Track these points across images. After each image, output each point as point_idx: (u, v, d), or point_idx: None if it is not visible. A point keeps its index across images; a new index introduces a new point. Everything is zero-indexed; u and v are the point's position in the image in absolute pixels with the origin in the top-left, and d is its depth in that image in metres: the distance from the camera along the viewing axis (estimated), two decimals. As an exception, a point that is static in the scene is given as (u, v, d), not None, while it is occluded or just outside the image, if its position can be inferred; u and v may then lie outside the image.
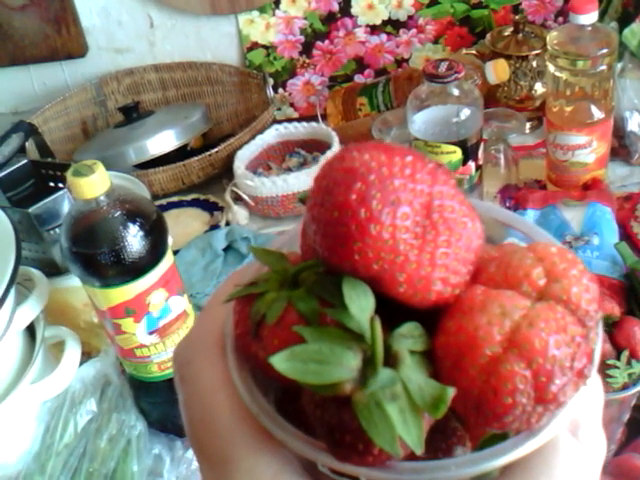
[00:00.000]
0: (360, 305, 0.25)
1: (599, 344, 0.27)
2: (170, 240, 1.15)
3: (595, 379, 0.29)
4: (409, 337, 0.26)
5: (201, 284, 1.16)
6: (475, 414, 0.25)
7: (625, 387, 0.81)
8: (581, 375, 0.25)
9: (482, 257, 0.27)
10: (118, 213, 0.79)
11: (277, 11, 1.42)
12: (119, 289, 0.81)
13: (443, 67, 1.00)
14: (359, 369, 0.25)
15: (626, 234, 1.16)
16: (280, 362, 0.24)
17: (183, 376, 0.31)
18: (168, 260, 0.84)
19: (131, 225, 0.80)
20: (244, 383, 0.28)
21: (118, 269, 0.80)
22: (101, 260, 0.79)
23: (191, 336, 0.32)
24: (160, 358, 0.88)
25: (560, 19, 1.43)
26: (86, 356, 0.98)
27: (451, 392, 0.24)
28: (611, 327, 0.83)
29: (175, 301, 0.86)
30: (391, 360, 0.25)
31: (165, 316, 0.85)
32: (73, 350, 0.90)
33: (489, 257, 0.27)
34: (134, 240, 0.79)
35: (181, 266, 1.20)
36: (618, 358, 0.81)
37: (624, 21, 1.37)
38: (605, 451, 0.30)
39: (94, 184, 0.77)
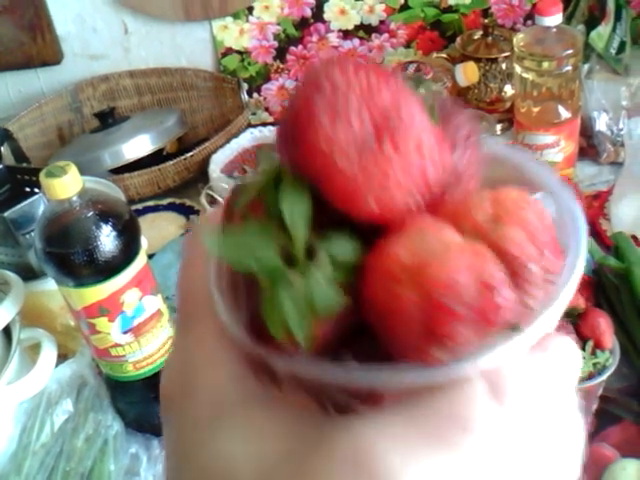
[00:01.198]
0: (293, 204, 0.26)
1: (555, 307, 0.26)
2: (145, 243, 1.16)
3: (551, 361, 0.27)
4: (336, 245, 0.26)
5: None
6: (376, 328, 0.26)
7: (590, 377, 0.83)
8: (486, 319, 0.24)
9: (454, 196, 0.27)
10: (91, 213, 0.81)
11: (250, 17, 1.44)
12: (93, 288, 0.82)
13: (411, 69, 1.02)
14: (278, 259, 0.26)
15: (595, 231, 1.19)
16: (212, 244, 0.26)
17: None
18: (141, 260, 0.85)
19: (104, 225, 0.81)
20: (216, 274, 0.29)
21: (91, 268, 0.81)
22: (75, 260, 0.80)
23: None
24: (135, 357, 0.89)
25: (529, 22, 1.46)
26: (62, 358, 0.99)
27: (340, 303, 0.25)
28: (576, 318, 0.86)
29: (149, 300, 0.87)
30: (309, 259, 0.26)
31: (139, 315, 0.86)
32: (49, 351, 0.91)
33: (460, 197, 0.27)
34: (107, 240, 0.81)
35: (157, 269, 1.21)
36: (583, 349, 0.83)
37: (590, 24, 1.40)
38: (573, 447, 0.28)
39: (67, 185, 0.78)
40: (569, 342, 0.28)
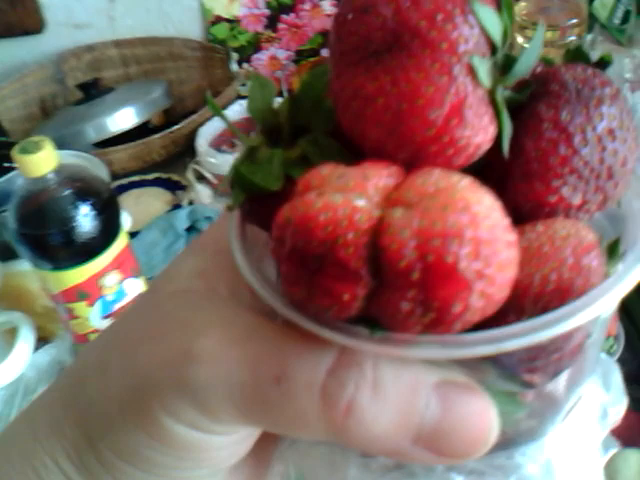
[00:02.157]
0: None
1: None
2: (129, 221, 1.12)
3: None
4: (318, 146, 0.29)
5: (162, 266, 1.12)
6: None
7: (594, 365, 0.79)
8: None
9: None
10: (68, 192, 0.76)
11: (240, -16, 1.38)
12: (71, 272, 0.78)
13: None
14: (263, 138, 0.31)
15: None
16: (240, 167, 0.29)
17: None
18: (122, 241, 0.81)
19: (82, 204, 0.76)
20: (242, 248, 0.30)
21: (69, 251, 0.77)
22: (51, 241, 0.76)
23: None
24: (117, 343, 0.84)
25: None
26: (43, 341, 0.95)
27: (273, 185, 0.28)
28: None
29: (130, 283, 0.82)
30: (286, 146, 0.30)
31: (120, 299, 0.82)
32: (26, 337, 0.87)
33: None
34: (85, 220, 0.76)
35: (142, 247, 1.17)
36: (587, 336, 0.79)
37: (594, -8, 1.35)
38: None
39: (41, 161, 0.73)
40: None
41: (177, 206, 1.24)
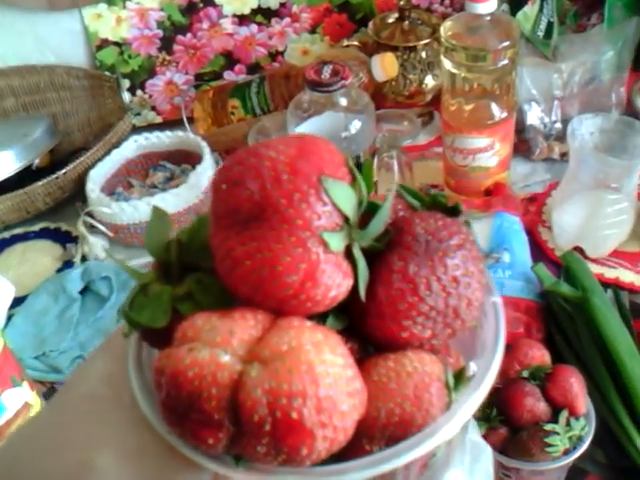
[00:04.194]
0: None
1: None
2: (10, 291, 0.96)
3: None
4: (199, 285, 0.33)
5: (55, 337, 0.97)
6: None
7: (566, 453, 0.68)
8: None
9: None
10: None
11: (128, 3, 1.22)
12: None
13: (327, 73, 0.85)
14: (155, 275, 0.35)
15: (535, 242, 1.05)
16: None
17: None
18: (-5, 346, 0.66)
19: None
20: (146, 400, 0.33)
21: None
22: None
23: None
24: None
25: (447, 1, 1.30)
26: None
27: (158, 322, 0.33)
28: (544, 380, 0.71)
29: (11, 395, 0.67)
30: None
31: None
32: None
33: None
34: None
35: (30, 317, 1.01)
36: (556, 421, 0.68)
37: (516, 4, 1.26)
38: None
39: None
40: None
41: (68, 263, 1.08)
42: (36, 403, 0.71)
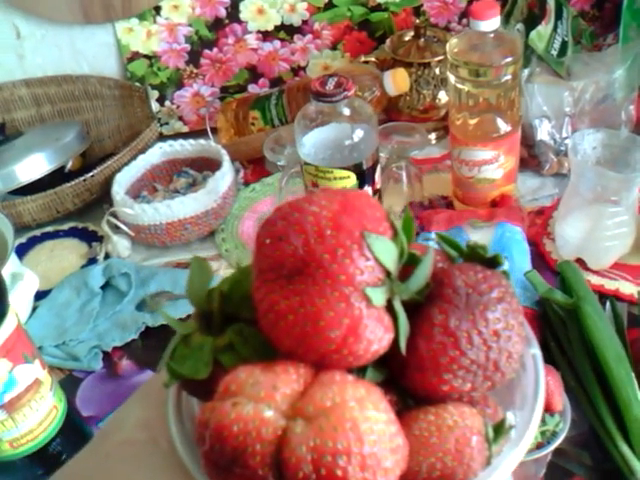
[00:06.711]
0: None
1: None
2: (36, 282, 1.02)
3: None
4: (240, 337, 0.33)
5: (75, 328, 1.03)
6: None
7: (539, 447, 0.72)
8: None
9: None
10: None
11: (158, 18, 1.29)
12: (-51, 363, 0.68)
13: (331, 84, 0.90)
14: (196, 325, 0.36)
15: (538, 253, 1.08)
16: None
17: None
18: (9, 324, 0.71)
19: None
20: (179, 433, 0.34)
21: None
22: None
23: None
24: (11, 435, 0.75)
25: (464, 21, 1.35)
26: None
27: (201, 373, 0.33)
28: (521, 377, 0.74)
29: (23, 370, 0.73)
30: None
31: (10, 389, 0.72)
32: None
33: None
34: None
35: (53, 309, 1.07)
36: (530, 414, 0.72)
37: (530, 23, 1.29)
38: None
39: None
40: None
41: (92, 260, 1.14)
42: (46, 381, 0.77)
